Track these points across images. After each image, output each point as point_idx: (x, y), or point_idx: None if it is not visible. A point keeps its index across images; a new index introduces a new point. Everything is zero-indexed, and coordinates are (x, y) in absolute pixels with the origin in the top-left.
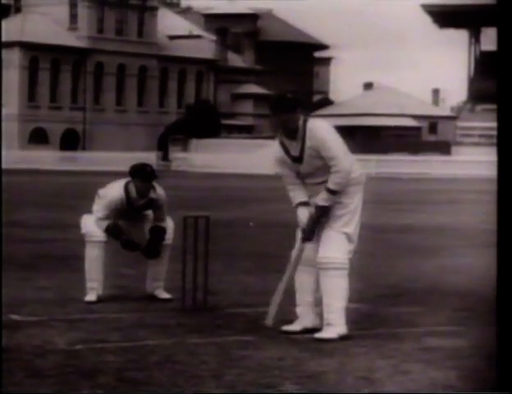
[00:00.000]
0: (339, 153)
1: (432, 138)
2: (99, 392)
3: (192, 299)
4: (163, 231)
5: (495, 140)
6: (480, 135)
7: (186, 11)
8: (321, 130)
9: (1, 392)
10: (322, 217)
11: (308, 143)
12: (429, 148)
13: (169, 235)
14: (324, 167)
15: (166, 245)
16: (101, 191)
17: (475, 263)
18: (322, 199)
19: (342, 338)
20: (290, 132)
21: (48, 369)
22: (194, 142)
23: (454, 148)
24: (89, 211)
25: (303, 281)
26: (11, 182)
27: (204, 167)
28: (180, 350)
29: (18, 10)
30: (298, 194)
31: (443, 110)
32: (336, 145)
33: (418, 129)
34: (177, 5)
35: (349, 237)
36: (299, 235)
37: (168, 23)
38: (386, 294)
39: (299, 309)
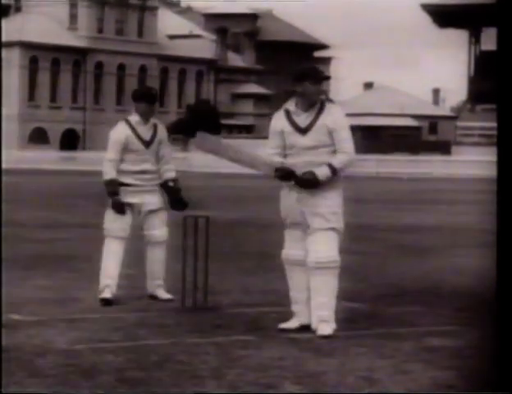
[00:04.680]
0: (351, 138)
1: (432, 138)
2: (99, 392)
3: (192, 299)
4: (175, 181)
5: (495, 140)
6: (480, 135)
7: (186, 11)
8: (341, 112)
9: (1, 392)
10: (307, 187)
11: (322, 118)
12: (429, 148)
13: (164, 233)
14: (322, 145)
15: (162, 242)
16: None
17: (475, 263)
18: (321, 171)
19: (342, 337)
20: (309, 103)
21: (48, 369)
22: (194, 142)
23: (454, 148)
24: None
25: (297, 279)
26: (11, 182)
27: (204, 167)
28: (181, 349)
29: (18, 10)
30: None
31: (443, 110)
32: (349, 130)
33: (418, 129)
34: (177, 5)
35: (338, 232)
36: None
37: (168, 23)
38: (386, 294)
39: (295, 307)
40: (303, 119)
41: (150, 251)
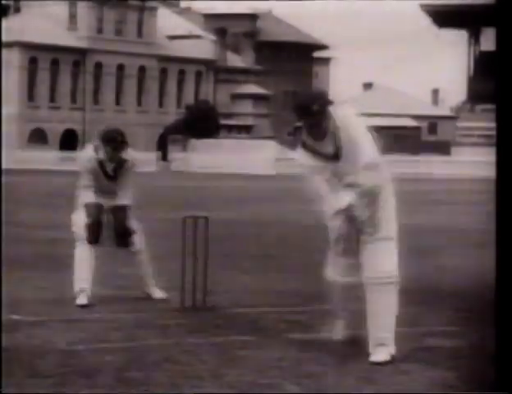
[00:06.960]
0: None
1: (432, 138)
2: (99, 392)
3: (191, 299)
4: (123, 210)
5: (494, 140)
6: (479, 135)
7: (186, 11)
8: (348, 118)
9: (1, 392)
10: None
11: (342, 134)
12: (429, 148)
13: (140, 240)
14: (351, 162)
15: (140, 250)
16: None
17: (474, 264)
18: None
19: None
20: (318, 134)
21: (48, 369)
22: (193, 142)
23: (453, 149)
24: (77, 209)
25: (339, 299)
26: (10, 182)
27: (203, 168)
28: (180, 350)
29: (17, 10)
30: (332, 198)
31: (442, 110)
32: (362, 135)
33: (417, 129)
34: (176, 5)
35: (395, 242)
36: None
37: (168, 23)
38: None
39: (336, 322)
40: (324, 147)
41: (133, 258)
